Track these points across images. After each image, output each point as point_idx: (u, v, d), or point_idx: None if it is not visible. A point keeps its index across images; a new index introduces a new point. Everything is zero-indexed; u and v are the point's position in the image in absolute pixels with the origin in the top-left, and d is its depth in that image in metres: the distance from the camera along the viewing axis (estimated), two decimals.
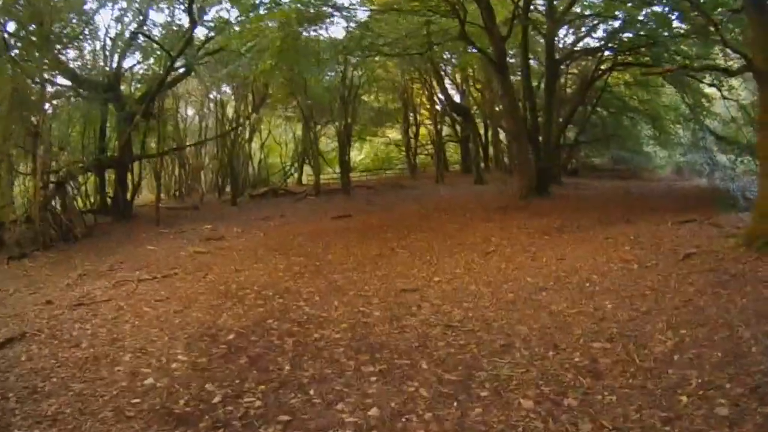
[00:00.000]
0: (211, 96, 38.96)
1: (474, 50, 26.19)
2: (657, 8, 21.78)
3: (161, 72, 27.47)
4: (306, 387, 6.52)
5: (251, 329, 8.76)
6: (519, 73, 29.41)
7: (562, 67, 28.87)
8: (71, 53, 26.80)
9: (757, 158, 14.30)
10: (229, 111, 40.08)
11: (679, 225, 14.72)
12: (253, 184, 42.75)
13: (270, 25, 23.72)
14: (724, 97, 26.32)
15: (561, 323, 8.24)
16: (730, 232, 12.92)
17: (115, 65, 27.98)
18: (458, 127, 45.90)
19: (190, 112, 44.16)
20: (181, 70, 29.26)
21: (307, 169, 48.86)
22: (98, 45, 28.31)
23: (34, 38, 21.01)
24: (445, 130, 48.28)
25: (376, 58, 32.03)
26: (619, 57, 27.79)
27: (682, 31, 22.62)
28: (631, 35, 25.37)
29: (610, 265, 11.28)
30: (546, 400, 5.80)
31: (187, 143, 38.69)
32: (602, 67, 28.72)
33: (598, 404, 5.64)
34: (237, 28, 25.53)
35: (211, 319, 9.47)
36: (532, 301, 9.53)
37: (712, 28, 16.26)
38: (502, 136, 44.72)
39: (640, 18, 22.86)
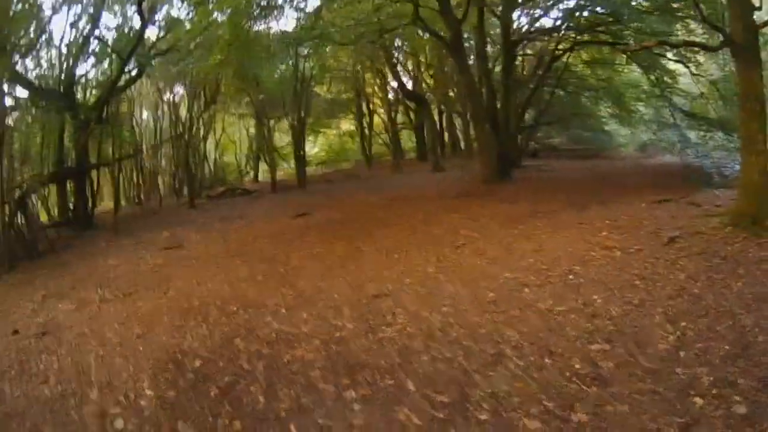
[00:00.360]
0: (165, 97, 38.10)
1: (428, 35, 26.36)
2: None
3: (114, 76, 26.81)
4: (284, 421, 6.03)
5: (218, 353, 8.20)
6: (474, 57, 28.55)
7: (518, 48, 28.62)
8: (28, 63, 26.21)
9: (735, 134, 14.74)
10: (183, 112, 38.21)
11: (656, 205, 14.42)
12: (210, 184, 42.46)
13: (220, 19, 22.59)
14: (693, 74, 25.90)
15: (552, 324, 7.66)
16: (710, 211, 12.69)
17: (70, 72, 27.31)
18: (412, 115, 45.44)
19: (145, 115, 43.27)
20: (134, 72, 28.99)
21: (263, 166, 46.77)
22: (54, 53, 27.57)
23: None
24: (399, 118, 47.66)
25: (327, 48, 30.84)
26: (578, 36, 27.53)
27: (643, 8, 22.43)
28: (588, 14, 25.46)
29: (591, 253, 10.71)
30: (553, 418, 5.35)
31: (143, 147, 38.40)
32: (561, 47, 28.34)
33: (611, 417, 5.23)
34: (187, 25, 25.34)
35: (176, 343, 8.92)
36: (516, 299, 8.86)
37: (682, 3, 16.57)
38: (457, 121, 45.72)
39: None
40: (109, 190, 35.74)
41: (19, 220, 20.81)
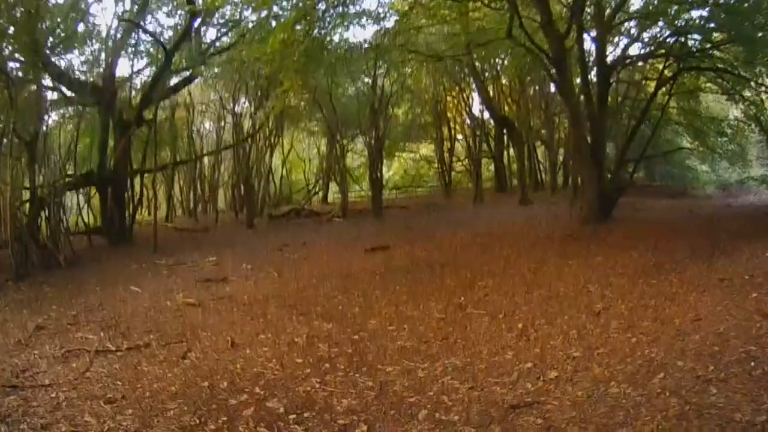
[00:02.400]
0: (228, 107, 35.06)
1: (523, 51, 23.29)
2: None
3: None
4: None
5: None
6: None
7: (613, 74, 24.57)
8: (68, 57, 25.04)
9: None
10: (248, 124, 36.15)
11: None
12: (275, 202, 40.45)
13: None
14: None
15: None
16: None
17: (111, 67, 24.52)
18: (491, 142, 42.60)
19: (208, 125, 41.84)
20: (186, 74, 26.84)
21: (333, 187, 44.94)
22: (96, 46, 25.38)
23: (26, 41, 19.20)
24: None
25: (410, 63, 28.67)
26: (682, 63, 23.47)
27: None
28: (697, 37, 22.53)
29: (756, 325, 8.39)
30: None
31: (195, 156, 36.24)
32: (666, 72, 24.36)
33: None
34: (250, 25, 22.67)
35: None
36: (706, 406, 6.03)
37: None
38: (539, 151, 43.21)
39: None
40: (162, 200, 34.88)
41: (42, 226, 19.47)
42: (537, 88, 39.34)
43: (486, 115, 41.54)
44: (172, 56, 23.41)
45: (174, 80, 26.77)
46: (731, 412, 5.82)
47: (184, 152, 34.61)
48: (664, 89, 25.03)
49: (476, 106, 41.51)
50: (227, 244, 22.27)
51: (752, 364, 6.98)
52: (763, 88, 23.29)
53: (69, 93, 23.98)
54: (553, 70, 22.07)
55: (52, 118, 25.71)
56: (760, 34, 18.51)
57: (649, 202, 27.95)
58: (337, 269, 16.02)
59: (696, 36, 22.47)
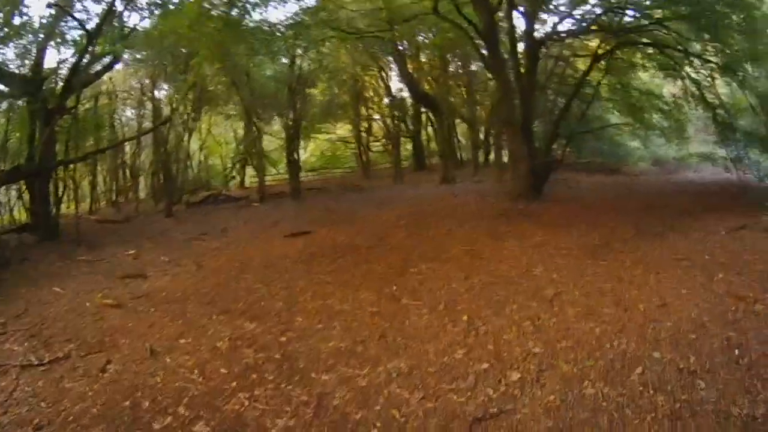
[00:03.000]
0: (148, 93, 34.50)
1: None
2: None
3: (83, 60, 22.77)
4: None
5: None
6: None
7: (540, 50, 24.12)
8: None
9: None
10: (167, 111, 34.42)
11: (738, 233, 12.82)
12: (193, 188, 38.59)
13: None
14: (741, 86, 22.53)
15: None
16: None
17: (39, 56, 22.96)
18: (409, 122, 42.78)
19: (131, 113, 39.72)
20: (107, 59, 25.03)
21: (250, 171, 44.16)
22: (30, 38, 23.15)
23: None
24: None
25: (330, 41, 27.76)
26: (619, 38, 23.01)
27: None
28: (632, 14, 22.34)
29: (731, 308, 8.12)
30: None
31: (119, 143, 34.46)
32: (601, 48, 23.95)
33: None
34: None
35: None
36: (698, 402, 5.76)
37: None
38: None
39: None
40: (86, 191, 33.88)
41: None
42: (459, 64, 39.03)
43: (404, 93, 41.39)
44: (95, 40, 21.76)
45: (97, 67, 25.10)
46: (727, 407, 5.56)
47: (107, 141, 32.70)
48: (599, 65, 24.65)
49: (394, 85, 41.63)
50: (147, 235, 21.14)
51: (736, 351, 6.67)
52: (709, 64, 22.57)
53: (1, 87, 23.08)
54: (482, 45, 21.83)
55: None
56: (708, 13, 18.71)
57: (581, 180, 27.72)
58: (258, 258, 15.14)
59: (630, 12, 22.27)
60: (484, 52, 22.17)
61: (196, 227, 22.24)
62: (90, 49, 21.83)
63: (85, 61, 22.51)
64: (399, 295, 10.42)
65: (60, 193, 23.22)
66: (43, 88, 22.04)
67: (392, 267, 12.53)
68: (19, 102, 23.68)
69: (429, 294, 10.31)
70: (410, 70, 37.02)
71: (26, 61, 23.14)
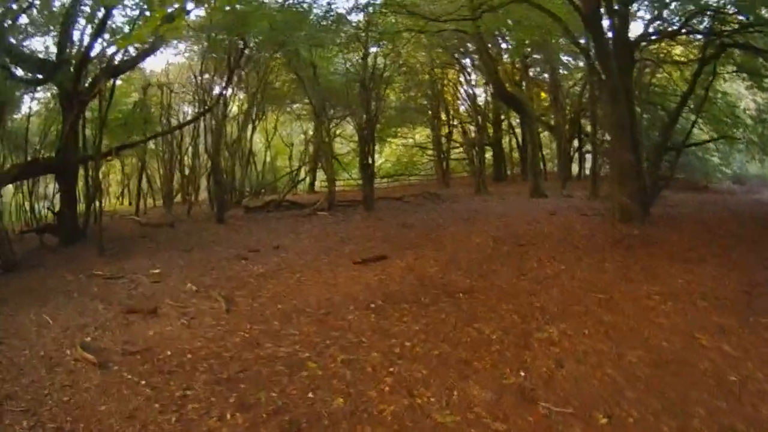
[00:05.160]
0: (200, 85, 30.10)
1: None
2: None
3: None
4: None
5: None
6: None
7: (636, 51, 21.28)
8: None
9: None
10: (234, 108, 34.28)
11: None
12: (256, 191, 37.17)
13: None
14: None
15: None
16: None
17: (66, 40, 20.44)
18: (489, 128, 39.48)
19: (188, 108, 37.43)
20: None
21: (320, 175, 41.15)
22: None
23: None
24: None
25: (405, 34, 25.57)
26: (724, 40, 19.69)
27: None
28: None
29: None
30: None
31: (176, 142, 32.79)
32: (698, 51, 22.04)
33: None
34: None
35: None
36: None
37: None
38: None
39: None
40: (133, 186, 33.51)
41: None
42: (539, 69, 37.12)
43: (483, 97, 39.02)
44: (110, 15, 19.47)
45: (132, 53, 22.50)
46: None
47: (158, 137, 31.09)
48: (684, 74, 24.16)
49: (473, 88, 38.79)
50: (185, 246, 18.20)
51: None
52: None
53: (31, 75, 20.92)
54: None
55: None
56: None
57: (674, 197, 23.77)
58: (313, 297, 11.13)
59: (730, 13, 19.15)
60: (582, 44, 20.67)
61: (247, 239, 19.21)
62: (108, 27, 19.79)
63: (106, 43, 20.31)
64: (531, 392, 6.49)
65: (92, 190, 21.14)
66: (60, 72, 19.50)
67: (508, 330, 8.62)
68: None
69: (576, 388, 6.52)
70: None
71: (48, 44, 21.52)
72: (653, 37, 22.04)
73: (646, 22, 22.39)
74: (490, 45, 31.53)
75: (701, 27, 20.23)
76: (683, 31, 20.99)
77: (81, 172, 21.45)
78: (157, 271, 14.36)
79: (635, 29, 22.94)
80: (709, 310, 8.84)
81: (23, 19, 19.69)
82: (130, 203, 33.31)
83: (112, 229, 20.94)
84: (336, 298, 10.86)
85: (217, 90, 27.97)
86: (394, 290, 11.13)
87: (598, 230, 16.00)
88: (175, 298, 11.62)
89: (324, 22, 23.42)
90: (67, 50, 19.72)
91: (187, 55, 30.15)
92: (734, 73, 24.37)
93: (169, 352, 8.28)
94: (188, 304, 11.18)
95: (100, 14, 19.18)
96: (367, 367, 7.32)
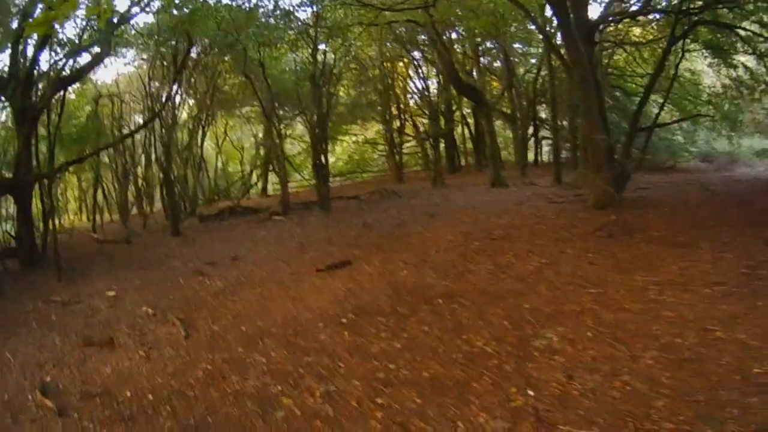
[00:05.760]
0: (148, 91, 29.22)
1: None
2: None
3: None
4: None
5: None
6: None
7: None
8: None
9: None
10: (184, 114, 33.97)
11: None
12: (210, 198, 36.54)
13: None
14: None
15: None
16: None
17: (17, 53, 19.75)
18: (441, 119, 38.09)
19: (138, 117, 36.06)
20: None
21: (272, 177, 41.01)
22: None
23: None
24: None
25: (355, 29, 25.41)
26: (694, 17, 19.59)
27: None
28: None
29: None
30: None
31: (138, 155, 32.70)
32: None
33: None
34: None
35: None
36: None
37: None
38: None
39: None
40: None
41: None
42: (488, 59, 37.38)
43: (433, 89, 39.09)
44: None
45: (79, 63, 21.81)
46: None
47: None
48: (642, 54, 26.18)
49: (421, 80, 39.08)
50: (141, 263, 17.36)
51: None
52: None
53: None
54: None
55: None
56: None
57: (641, 179, 23.00)
58: (279, 316, 10.24)
59: None
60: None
61: (203, 251, 18.30)
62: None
63: (54, 54, 20.00)
64: (547, 414, 5.70)
65: (46, 209, 20.00)
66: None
67: (502, 339, 7.71)
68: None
69: (595, 403, 5.77)
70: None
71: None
72: (615, 18, 22.03)
73: (609, 2, 22.62)
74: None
75: (664, 5, 20.54)
76: (648, 10, 20.99)
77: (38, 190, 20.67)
78: (112, 293, 13.63)
79: (592, 11, 22.34)
80: (714, 297, 8.21)
81: None
82: (88, 218, 32.40)
83: (70, 248, 20.41)
84: (303, 315, 10.03)
85: (168, 98, 27.20)
86: (365, 301, 10.28)
87: (573, 218, 15.37)
88: (132, 324, 10.88)
89: (272, 20, 23.20)
90: (19, 64, 19.04)
91: (136, 63, 29.65)
92: (697, 51, 24.37)
93: (128, 393, 7.44)
94: (145, 330, 10.45)
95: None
96: (350, 400, 6.43)
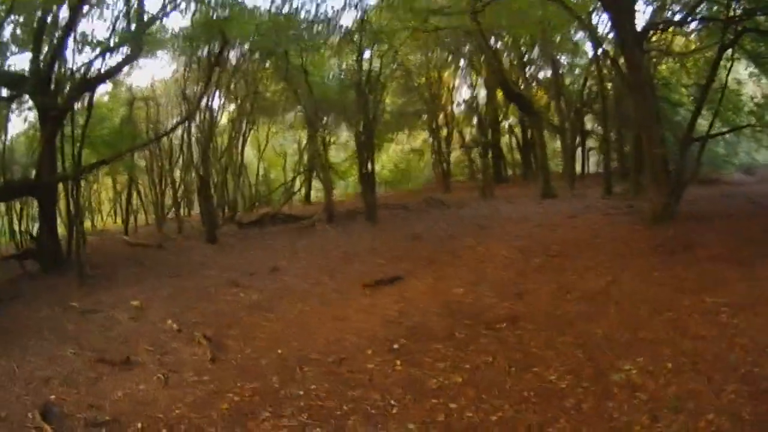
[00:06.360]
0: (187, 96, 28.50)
1: None
2: None
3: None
4: None
5: None
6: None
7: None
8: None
9: None
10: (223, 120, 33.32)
11: None
12: (250, 204, 36.03)
13: None
14: None
15: None
16: None
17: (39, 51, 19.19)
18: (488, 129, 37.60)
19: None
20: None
21: (316, 184, 39.98)
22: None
23: None
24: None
25: (401, 34, 24.47)
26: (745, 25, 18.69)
27: None
28: None
29: None
30: None
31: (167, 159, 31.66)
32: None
33: None
34: None
35: None
36: None
37: None
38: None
39: None
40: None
41: None
42: (533, 68, 35.99)
43: (480, 98, 37.75)
44: (75, 20, 18.08)
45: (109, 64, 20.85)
46: None
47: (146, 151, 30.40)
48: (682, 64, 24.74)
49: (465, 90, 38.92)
50: (173, 270, 16.48)
51: None
52: None
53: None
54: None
55: None
56: None
57: (688, 192, 20.28)
58: (321, 337, 9.20)
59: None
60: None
61: (240, 261, 17.39)
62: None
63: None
64: None
65: (73, 211, 19.16)
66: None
67: (577, 372, 6.83)
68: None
69: None
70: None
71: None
72: (663, 26, 21.10)
73: (653, 11, 22.25)
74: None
75: (705, 14, 19.58)
76: (696, 18, 20.15)
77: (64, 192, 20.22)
78: (136, 303, 12.64)
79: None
80: None
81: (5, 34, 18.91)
82: (122, 221, 31.91)
83: (99, 250, 19.82)
84: (349, 338, 8.98)
85: (201, 99, 26.53)
86: (418, 323, 9.25)
87: (630, 232, 14.64)
88: (153, 341, 9.85)
89: (314, 26, 22.70)
90: (39, 62, 18.48)
91: (173, 67, 29.37)
92: (739, 60, 23.00)
93: (139, 425, 6.47)
94: (168, 348, 9.40)
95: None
96: None
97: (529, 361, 7.15)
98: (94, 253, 18.67)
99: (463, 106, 39.52)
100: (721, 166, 30.97)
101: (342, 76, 28.12)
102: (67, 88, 18.70)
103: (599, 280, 10.47)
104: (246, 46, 24.59)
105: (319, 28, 22.95)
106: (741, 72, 25.28)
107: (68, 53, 18.63)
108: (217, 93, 29.20)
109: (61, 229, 19.63)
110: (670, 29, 22.49)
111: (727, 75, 20.22)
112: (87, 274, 15.73)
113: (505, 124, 39.06)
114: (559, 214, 19.23)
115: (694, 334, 7.38)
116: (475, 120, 36.85)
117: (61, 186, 19.28)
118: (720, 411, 5.40)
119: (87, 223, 24.15)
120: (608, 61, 22.13)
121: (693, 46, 25.19)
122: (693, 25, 22.25)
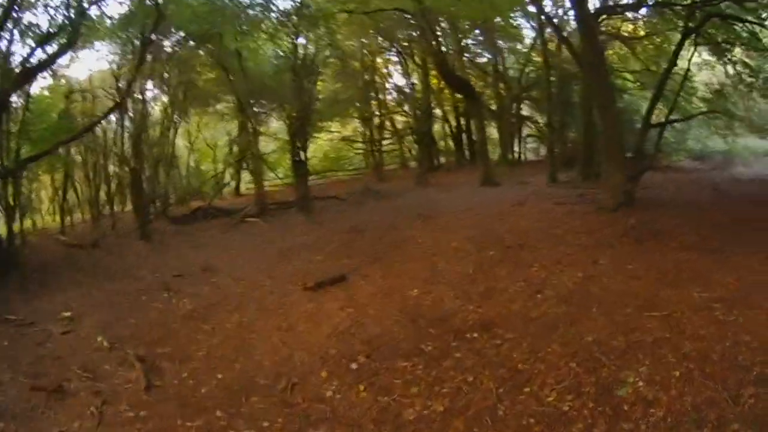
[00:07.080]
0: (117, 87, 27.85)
1: None
2: None
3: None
4: None
5: None
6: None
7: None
8: None
9: None
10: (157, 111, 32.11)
11: None
12: (182, 197, 34.53)
13: None
14: None
15: None
16: None
17: None
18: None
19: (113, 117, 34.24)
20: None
21: (245, 176, 39.72)
22: None
23: None
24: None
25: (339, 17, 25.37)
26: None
27: None
28: None
29: None
30: None
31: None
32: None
33: None
34: None
35: None
36: None
37: None
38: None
39: None
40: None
41: None
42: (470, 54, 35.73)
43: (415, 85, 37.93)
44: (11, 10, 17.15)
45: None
46: None
47: (81, 146, 29.09)
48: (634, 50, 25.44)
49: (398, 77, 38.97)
50: (105, 273, 15.49)
51: None
52: None
53: None
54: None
55: None
56: None
57: (642, 178, 20.86)
58: (267, 356, 8.39)
59: None
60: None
61: (173, 259, 16.73)
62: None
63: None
64: None
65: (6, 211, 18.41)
66: None
67: (577, 390, 6.13)
68: None
69: None
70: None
71: None
72: (620, 8, 21.54)
73: None
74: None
75: None
76: (653, 3, 20.68)
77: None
78: (68, 314, 11.77)
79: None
80: None
81: None
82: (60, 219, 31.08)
83: (36, 251, 18.81)
84: (297, 355, 8.11)
85: (132, 83, 25.25)
86: (374, 334, 8.38)
87: (589, 221, 14.06)
88: (85, 361, 8.92)
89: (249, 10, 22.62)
90: None
91: (110, 58, 28.09)
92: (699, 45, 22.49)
93: None
94: (100, 372, 8.44)
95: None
96: None
97: (517, 378, 6.45)
98: (35, 255, 17.84)
99: (395, 94, 39.63)
100: (674, 154, 31.37)
101: (276, 62, 28.02)
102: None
103: (571, 276, 9.81)
104: (181, 33, 24.24)
105: (256, 10, 22.81)
106: (694, 59, 25.38)
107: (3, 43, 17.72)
108: (151, 83, 28.97)
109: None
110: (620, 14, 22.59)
111: (689, 61, 20.26)
112: (28, 279, 14.83)
113: (438, 111, 38.89)
114: (504, 203, 18.60)
115: (693, 334, 6.91)
116: (407, 107, 37.06)
117: None
118: (743, 419, 5.16)
119: (28, 222, 23.51)
120: (559, 41, 22.18)
121: (642, 33, 25.66)
122: (643, 11, 22.64)
